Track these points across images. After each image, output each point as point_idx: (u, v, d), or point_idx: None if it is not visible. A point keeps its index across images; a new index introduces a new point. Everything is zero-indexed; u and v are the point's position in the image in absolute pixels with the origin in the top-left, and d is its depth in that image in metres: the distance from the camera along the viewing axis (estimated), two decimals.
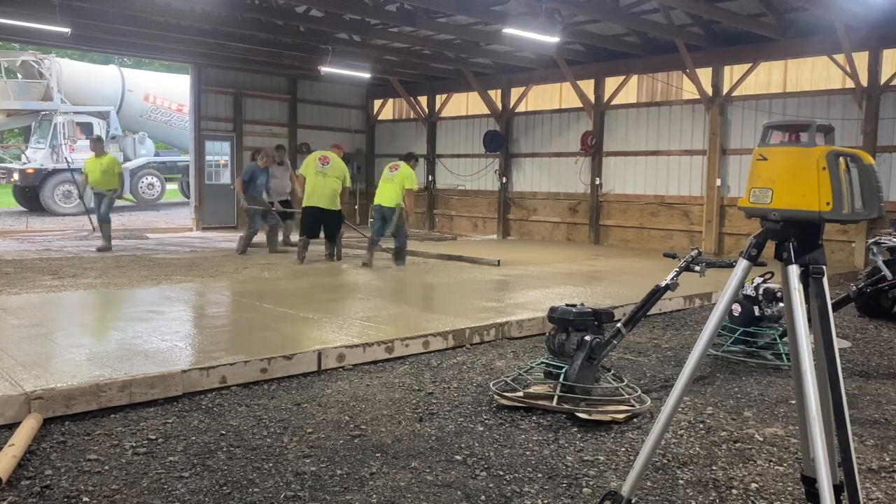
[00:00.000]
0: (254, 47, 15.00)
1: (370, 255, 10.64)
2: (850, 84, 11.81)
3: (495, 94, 17.13)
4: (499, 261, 11.14)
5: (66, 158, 20.71)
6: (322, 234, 11.12)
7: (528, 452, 3.72)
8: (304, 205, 10.97)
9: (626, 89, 14.87)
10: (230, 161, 18.00)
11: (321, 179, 10.81)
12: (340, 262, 11.11)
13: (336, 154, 11.20)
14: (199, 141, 17.50)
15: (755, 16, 11.94)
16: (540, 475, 3.44)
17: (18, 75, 23.87)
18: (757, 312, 5.80)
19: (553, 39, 12.09)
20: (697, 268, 4.59)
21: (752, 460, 3.69)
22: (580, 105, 15.34)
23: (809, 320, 2.26)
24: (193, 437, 3.83)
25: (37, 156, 22.44)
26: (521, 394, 4.51)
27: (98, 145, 12.66)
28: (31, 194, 21.99)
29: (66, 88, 23.27)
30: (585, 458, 3.67)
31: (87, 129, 22.38)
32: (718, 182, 13.43)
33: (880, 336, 6.94)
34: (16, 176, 21.93)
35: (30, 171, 21.59)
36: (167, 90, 25.33)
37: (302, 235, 10.95)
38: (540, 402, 4.38)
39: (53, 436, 3.79)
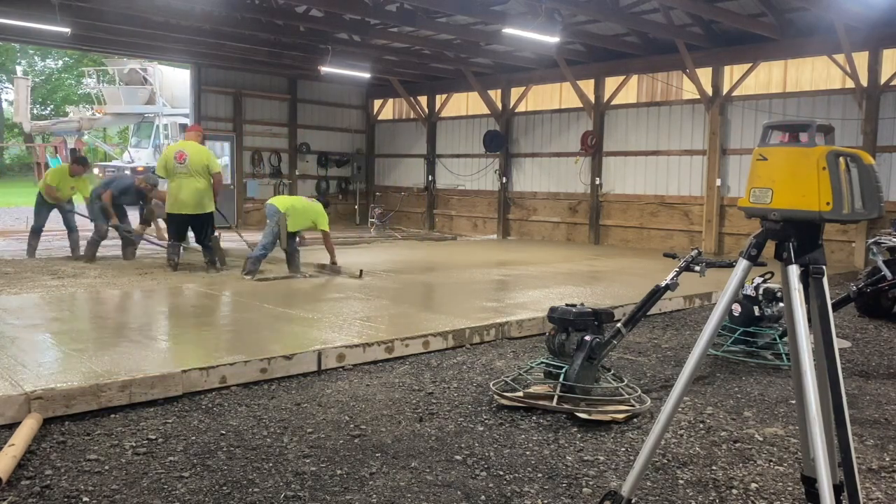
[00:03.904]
0: (254, 47, 15.00)
1: (255, 267, 9.02)
2: (850, 84, 11.81)
3: (495, 94, 17.12)
4: (361, 271, 9.37)
5: None
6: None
7: (528, 452, 3.72)
8: (168, 211, 9.63)
9: (626, 89, 14.87)
10: (230, 161, 18.00)
11: (181, 181, 9.30)
12: (223, 270, 9.59)
13: (194, 140, 9.66)
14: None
15: (755, 16, 11.94)
16: (540, 475, 3.44)
17: (122, 82, 26.16)
18: (757, 312, 5.80)
19: (553, 39, 12.09)
20: (697, 268, 4.59)
21: (752, 460, 3.69)
22: (580, 105, 15.34)
23: (809, 320, 2.26)
24: (193, 437, 3.83)
25: (140, 155, 24.67)
26: (521, 394, 4.51)
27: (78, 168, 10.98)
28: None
29: (166, 93, 25.26)
30: (585, 458, 3.67)
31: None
32: (718, 182, 13.43)
33: (880, 336, 6.94)
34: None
35: (140, 168, 23.08)
36: None
37: (170, 240, 9.84)
38: (540, 402, 4.38)
39: (53, 436, 3.79)
